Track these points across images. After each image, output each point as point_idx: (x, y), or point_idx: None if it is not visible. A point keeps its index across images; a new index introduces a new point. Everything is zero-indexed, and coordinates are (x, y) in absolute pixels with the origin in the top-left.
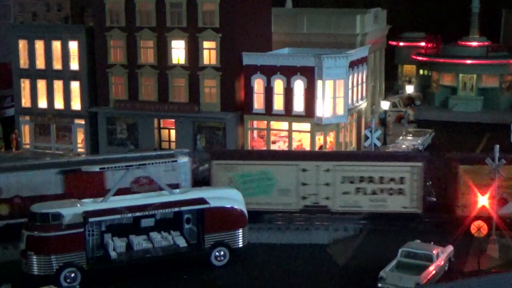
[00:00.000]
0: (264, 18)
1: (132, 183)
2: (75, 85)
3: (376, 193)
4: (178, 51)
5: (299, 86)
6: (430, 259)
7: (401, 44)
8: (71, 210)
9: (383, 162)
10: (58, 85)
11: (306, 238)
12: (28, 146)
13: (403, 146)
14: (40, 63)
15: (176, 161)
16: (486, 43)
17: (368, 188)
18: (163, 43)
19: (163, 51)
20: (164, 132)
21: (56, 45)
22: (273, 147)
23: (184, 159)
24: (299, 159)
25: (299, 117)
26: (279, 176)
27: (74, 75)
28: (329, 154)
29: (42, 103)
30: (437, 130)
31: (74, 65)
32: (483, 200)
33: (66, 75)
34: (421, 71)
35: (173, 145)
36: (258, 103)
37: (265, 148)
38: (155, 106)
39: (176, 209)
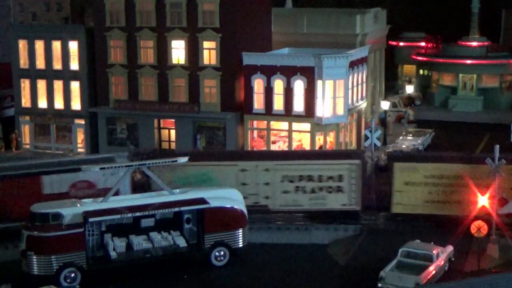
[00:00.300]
0: (264, 18)
1: (70, 188)
2: (75, 85)
3: (315, 192)
4: (178, 51)
5: (299, 86)
6: (430, 259)
7: (401, 44)
8: (71, 210)
9: (321, 160)
10: (58, 85)
11: (306, 238)
12: (28, 146)
13: (403, 146)
14: (40, 63)
15: (176, 161)
16: (486, 43)
17: (307, 187)
18: (163, 43)
19: (163, 51)
20: (164, 132)
21: (56, 45)
22: (273, 147)
23: (183, 159)
24: (238, 159)
25: (299, 117)
26: (219, 176)
27: (74, 75)
28: (268, 154)
29: (42, 103)
30: (437, 130)
31: (74, 65)
32: (483, 200)
33: (66, 75)
34: (421, 71)
35: (173, 145)
36: (258, 103)
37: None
38: (155, 106)
39: (176, 209)
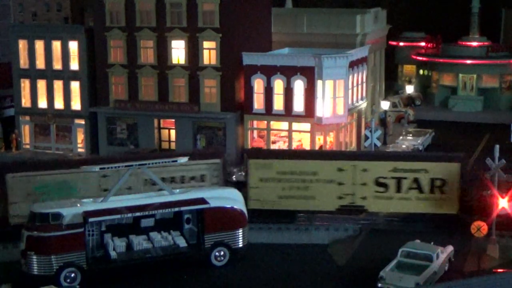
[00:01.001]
0: (264, 18)
1: None
2: (75, 85)
3: None
4: (178, 51)
5: (299, 86)
6: (430, 259)
7: (401, 44)
8: (71, 210)
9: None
10: (58, 85)
11: (306, 238)
12: (28, 146)
13: (403, 146)
14: (40, 63)
15: (176, 161)
16: (486, 43)
17: None
18: (163, 43)
19: (163, 51)
20: (164, 132)
21: (56, 45)
22: (273, 147)
23: (184, 159)
24: (97, 165)
25: (299, 117)
26: (79, 183)
27: (74, 75)
28: (129, 158)
29: (42, 103)
30: (437, 130)
31: (74, 65)
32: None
33: (66, 75)
34: (421, 71)
35: (173, 145)
36: (258, 103)
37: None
38: (155, 106)
39: (176, 209)
